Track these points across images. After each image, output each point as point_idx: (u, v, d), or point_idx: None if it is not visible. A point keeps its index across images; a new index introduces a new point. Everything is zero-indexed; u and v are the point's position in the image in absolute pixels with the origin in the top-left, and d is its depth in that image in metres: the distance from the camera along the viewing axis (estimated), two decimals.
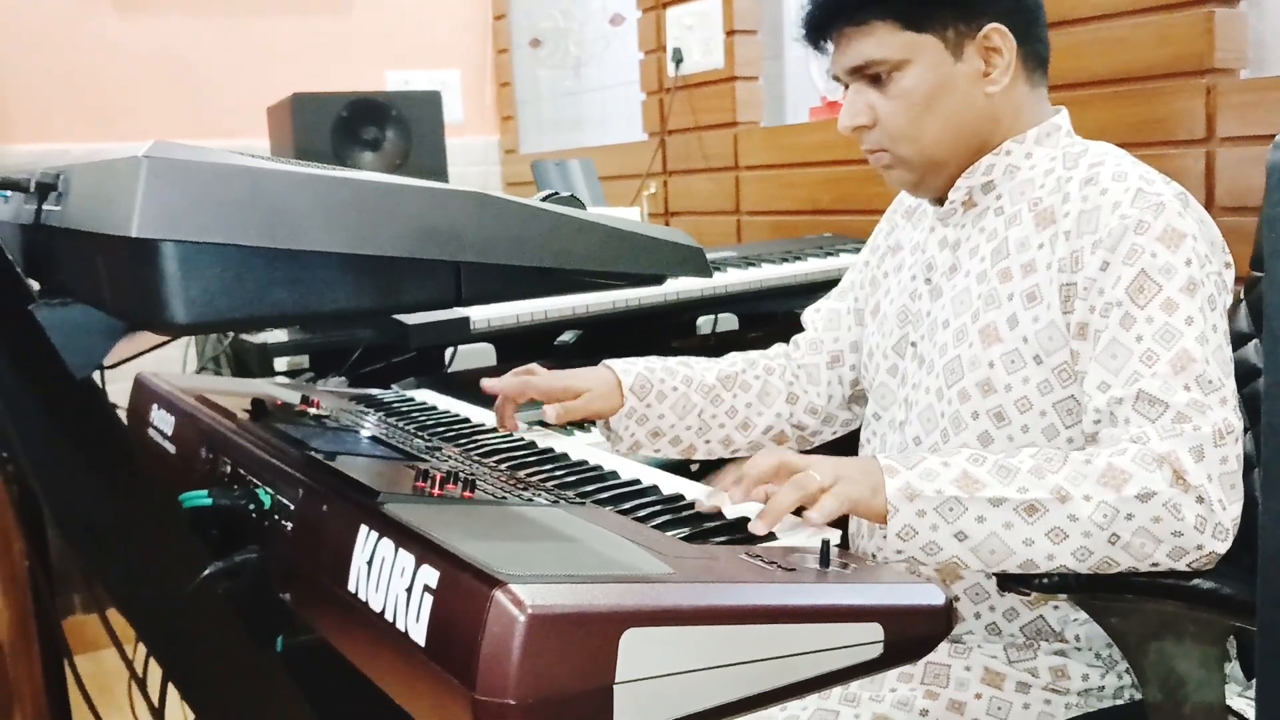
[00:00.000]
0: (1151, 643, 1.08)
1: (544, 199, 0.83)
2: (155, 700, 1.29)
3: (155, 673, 1.22)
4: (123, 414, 1.54)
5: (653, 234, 0.85)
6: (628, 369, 1.42)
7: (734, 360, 1.50)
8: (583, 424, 1.81)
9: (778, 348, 1.54)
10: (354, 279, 0.75)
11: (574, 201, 0.82)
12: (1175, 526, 1.01)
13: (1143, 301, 1.09)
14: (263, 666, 1.16)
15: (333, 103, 2.34)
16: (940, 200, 1.30)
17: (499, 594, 0.70)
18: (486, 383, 1.41)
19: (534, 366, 1.43)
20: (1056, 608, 1.20)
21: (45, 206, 0.93)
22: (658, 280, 0.87)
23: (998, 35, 1.20)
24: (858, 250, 2.34)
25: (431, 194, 0.75)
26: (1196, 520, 1.01)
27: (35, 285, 1.05)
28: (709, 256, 2.17)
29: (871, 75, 1.22)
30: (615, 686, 0.72)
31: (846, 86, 1.27)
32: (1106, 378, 1.10)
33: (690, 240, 0.89)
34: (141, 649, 1.22)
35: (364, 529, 0.87)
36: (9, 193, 1.06)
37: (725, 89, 2.80)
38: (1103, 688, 1.19)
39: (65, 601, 2.69)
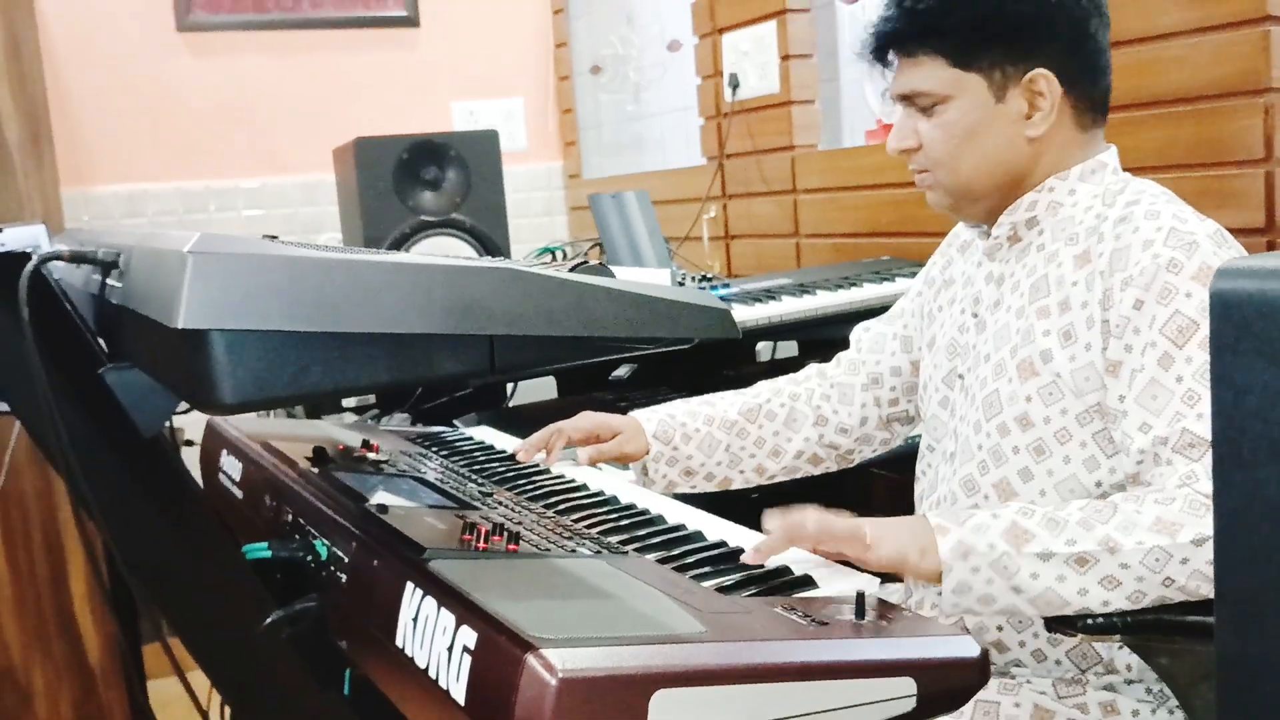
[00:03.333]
0: (1203, 683, 1.08)
1: (573, 269, 0.86)
2: None
3: None
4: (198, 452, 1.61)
5: (680, 298, 0.88)
6: (650, 416, 1.47)
7: (759, 391, 1.52)
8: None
9: (810, 369, 1.57)
10: (390, 356, 0.78)
11: (603, 270, 0.85)
12: None
13: (1181, 341, 1.09)
14: (327, 709, 1.21)
15: (394, 145, 2.40)
16: (987, 232, 1.31)
17: (531, 658, 0.73)
18: (524, 452, 1.45)
19: (563, 425, 1.47)
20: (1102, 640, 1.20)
21: (109, 281, 0.98)
22: (686, 343, 0.89)
23: (1043, 81, 1.22)
24: (914, 274, 2.34)
25: (463, 273, 0.78)
26: None
27: (106, 348, 1.11)
28: (765, 284, 2.20)
29: (918, 104, 1.26)
30: None
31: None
32: (1148, 419, 1.09)
33: (717, 302, 0.91)
34: None
35: (410, 586, 0.90)
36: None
37: (782, 113, 2.81)
38: None
39: (156, 623, 2.78)
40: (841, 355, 1.55)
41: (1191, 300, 1.09)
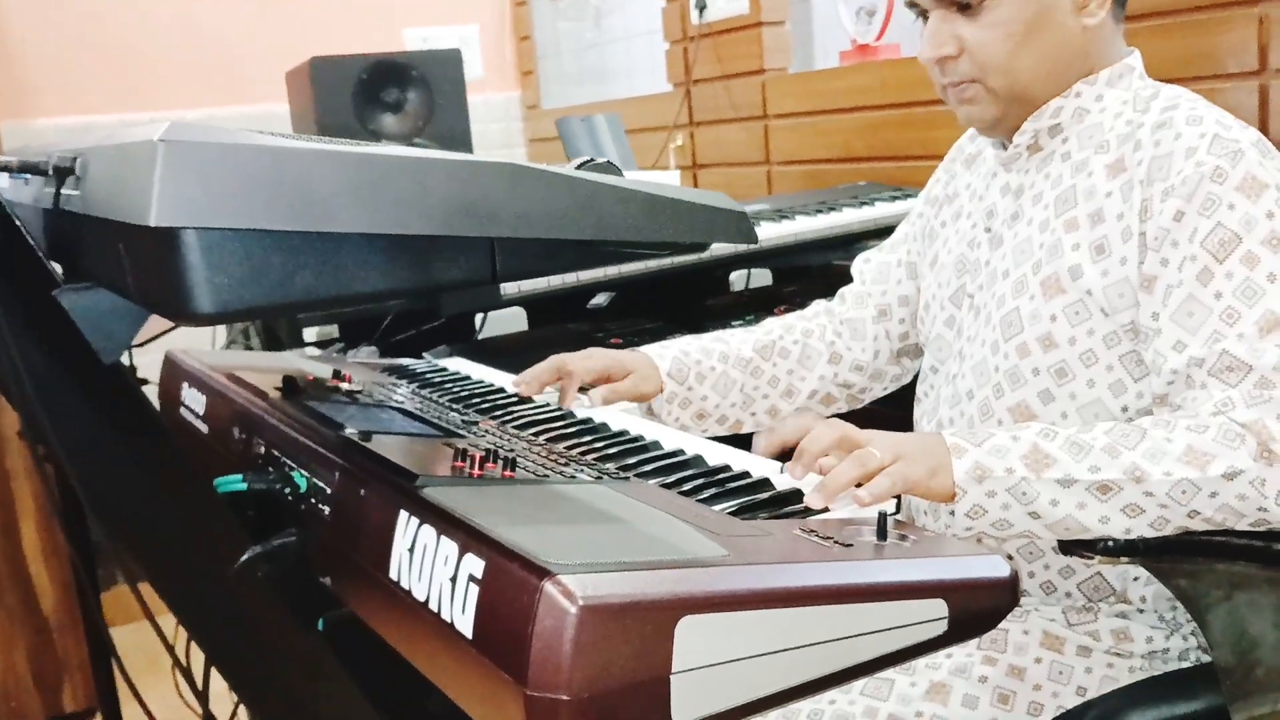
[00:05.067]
0: (1223, 604, 1.04)
1: (579, 166, 0.79)
2: (200, 680, 1.28)
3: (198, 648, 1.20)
4: (155, 391, 1.53)
5: (694, 199, 0.81)
6: (663, 353, 1.38)
7: (770, 328, 1.46)
8: None
9: (817, 305, 1.50)
10: (384, 260, 0.71)
11: (610, 168, 0.78)
12: (1260, 503, 0.97)
13: (1222, 255, 1.03)
14: (305, 647, 1.15)
15: (352, 65, 2.29)
16: (1005, 144, 1.24)
17: (549, 585, 0.67)
18: (527, 386, 1.35)
19: (566, 355, 1.38)
20: (1116, 564, 1.17)
21: (64, 191, 0.89)
22: (702, 248, 0.83)
23: None
24: (895, 198, 2.29)
25: (463, 167, 0.71)
26: None
27: (59, 269, 1.03)
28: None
29: (961, 3, 1.15)
30: (672, 677, 0.69)
31: (922, 15, 1.20)
32: (1183, 337, 1.04)
33: (733, 204, 0.85)
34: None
35: (404, 514, 0.84)
36: (29, 175, 1.03)
37: (751, 35, 2.73)
38: (1168, 650, 1.16)
39: (109, 573, 2.71)
40: (846, 290, 1.48)
41: (1235, 212, 1.04)
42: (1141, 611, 1.17)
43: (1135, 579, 1.16)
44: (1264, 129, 1.68)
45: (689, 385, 1.37)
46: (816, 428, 1.01)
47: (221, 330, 2.27)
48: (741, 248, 2.03)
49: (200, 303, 0.67)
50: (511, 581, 0.70)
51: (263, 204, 0.65)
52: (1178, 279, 1.06)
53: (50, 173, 0.85)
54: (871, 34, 2.44)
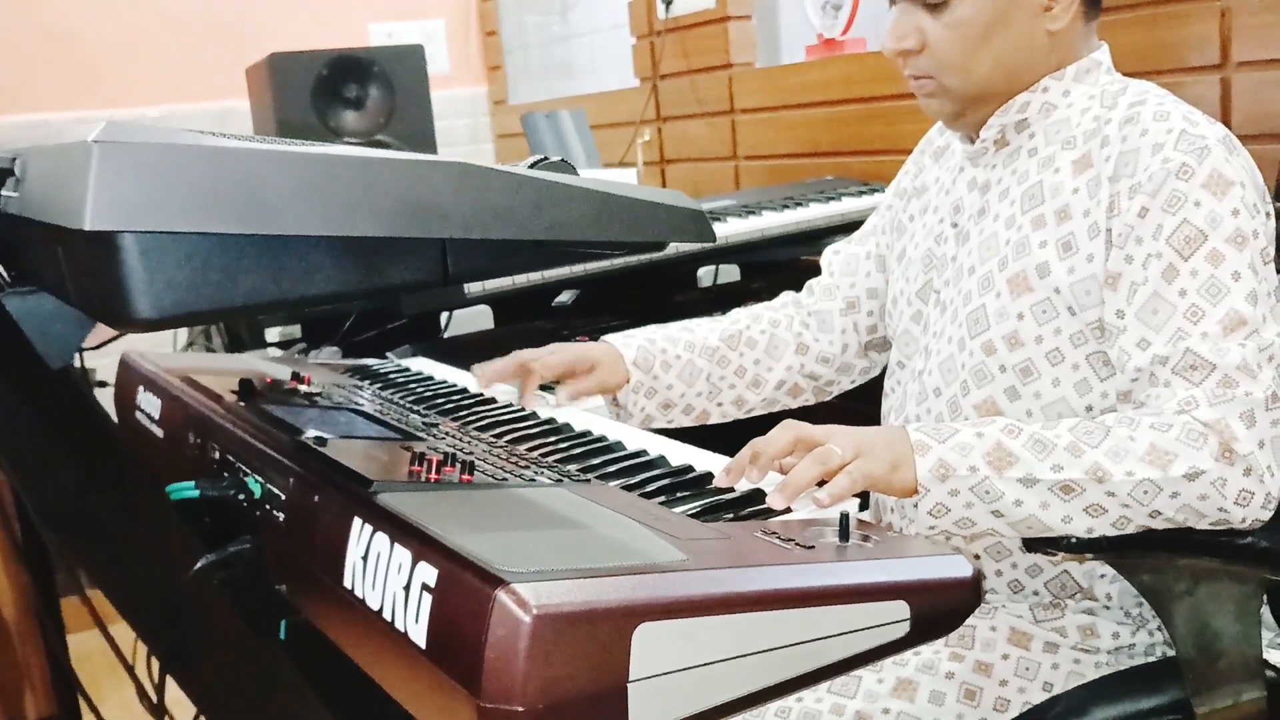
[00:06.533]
0: (1185, 599, 1.04)
1: (533, 165, 0.77)
2: (153, 690, 1.25)
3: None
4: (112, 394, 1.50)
5: (651, 198, 0.80)
6: (628, 342, 1.36)
7: (737, 317, 1.44)
8: None
9: (785, 296, 1.49)
10: (331, 262, 0.69)
11: (565, 167, 0.77)
12: (1220, 503, 0.97)
13: (1186, 253, 1.03)
14: (263, 656, 1.13)
15: (312, 61, 2.26)
16: (972, 138, 1.23)
17: (502, 594, 0.66)
18: (484, 377, 1.33)
19: (528, 352, 1.36)
20: (1082, 561, 1.16)
21: (5, 192, 0.87)
22: (658, 247, 0.81)
23: None
24: (862, 193, 2.28)
25: (411, 167, 0.69)
26: (1240, 495, 0.97)
27: (4, 272, 1.00)
28: (707, 206, 2.13)
29: (927, 0, 1.14)
30: (630, 685, 0.68)
31: (892, 4, 1.19)
32: (1147, 334, 1.04)
33: (691, 202, 0.83)
34: None
35: (357, 521, 0.82)
36: None
37: (718, 29, 2.72)
38: (1134, 645, 1.16)
39: (75, 577, 2.66)
40: (814, 282, 1.47)
41: (1200, 209, 1.03)
42: (1108, 608, 1.16)
43: (1101, 576, 1.16)
44: (1226, 122, 1.68)
45: (654, 374, 1.36)
46: (772, 431, 1.00)
47: (183, 331, 2.24)
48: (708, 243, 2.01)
49: (139, 308, 0.65)
50: (464, 590, 0.68)
51: (202, 206, 0.64)
52: (1143, 276, 1.05)
53: None
54: (838, 28, 2.44)
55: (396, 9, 3.54)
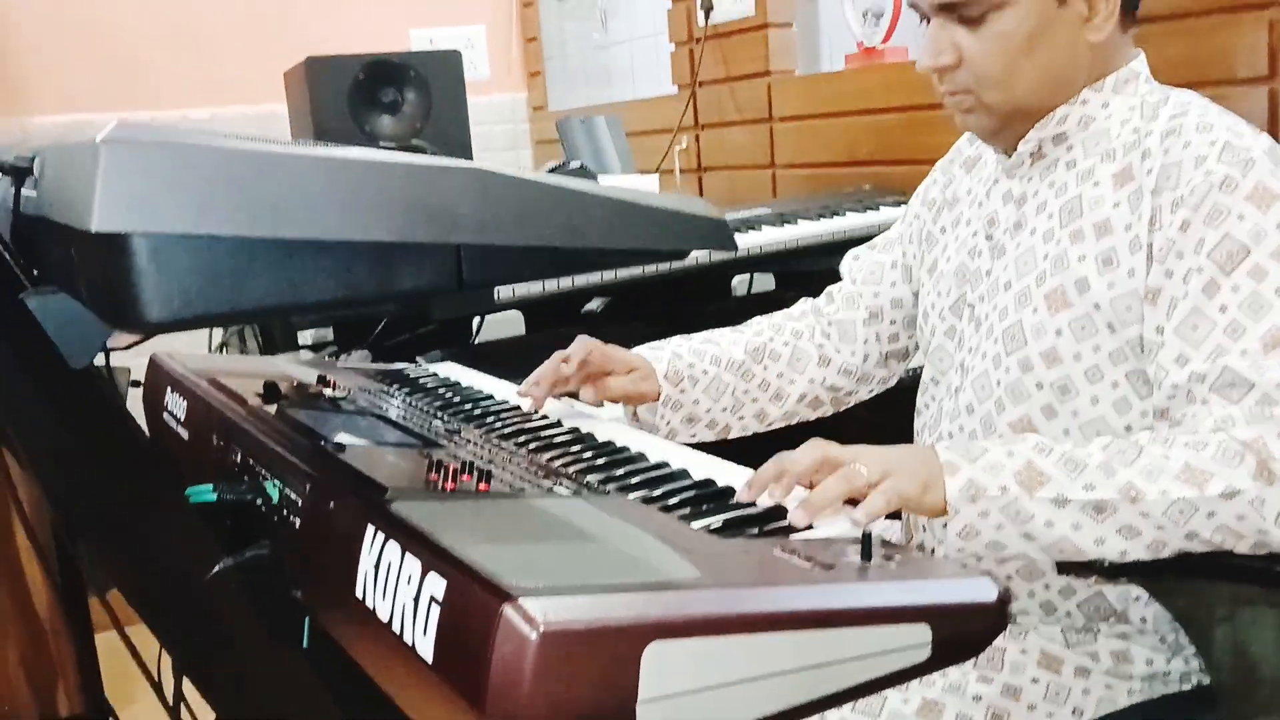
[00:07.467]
0: (1223, 625, 1.01)
1: (551, 171, 0.76)
2: (172, 691, 1.25)
3: None
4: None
5: (671, 205, 0.78)
6: (658, 355, 1.34)
7: (760, 329, 1.42)
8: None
9: (803, 304, 1.46)
10: (342, 266, 0.68)
11: (584, 173, 0.75)
12: (1259, 524, 0.93)
13: (1228, 267, 1.00)
14: (283, 661, 1.12)
15: (348, 65, 2.26)
16: (1008, 151, 1.20)
17: (509, 609, 0.64)
18: (529, 398, 1.29)
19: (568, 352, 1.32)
20: (1117, 583, 1.13)
21: (25, 191, 0.87)
22: (679, 256, 0.80)
23: None
24: (899, 203, 2.25)
25: (424, 171, 0.68)
26: None
27: (27, 271, 1.00)
28: (743, 214, 2.10)
29: (964, 13, 1.11)
30: (638, 706, 0.66)
31: (924, 20, 1.16)
32: (1185, 350, 1.01)
33: (713, 210, 0.82)
34: None
35: (370, 529, 0.81)
36: None
37: (757, 37, 2.70)
38: (1168, 673, 1.12)
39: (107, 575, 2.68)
40: (834, 289, 1.44)
41: (1244, 223, 1.00)
42: (1142, 633, 1.13)
43: (1136, 599, 1.12)
44: (1275, 135, 1.64)
45: (682, 389, 1.34)
46: (797, 450, 0.98)
47: (217, 331, 2.25)
48: (743, 252, 1.99)
49: (147, 310, 0.64)
50: (472, 604, 0.67)
51: (212, 208, 0.63)
52: (1183, 291, 1.02)
53: (9, 172, 0.82)
54: (878, 37, 2.41)
55: (438, 14, 3.55)
